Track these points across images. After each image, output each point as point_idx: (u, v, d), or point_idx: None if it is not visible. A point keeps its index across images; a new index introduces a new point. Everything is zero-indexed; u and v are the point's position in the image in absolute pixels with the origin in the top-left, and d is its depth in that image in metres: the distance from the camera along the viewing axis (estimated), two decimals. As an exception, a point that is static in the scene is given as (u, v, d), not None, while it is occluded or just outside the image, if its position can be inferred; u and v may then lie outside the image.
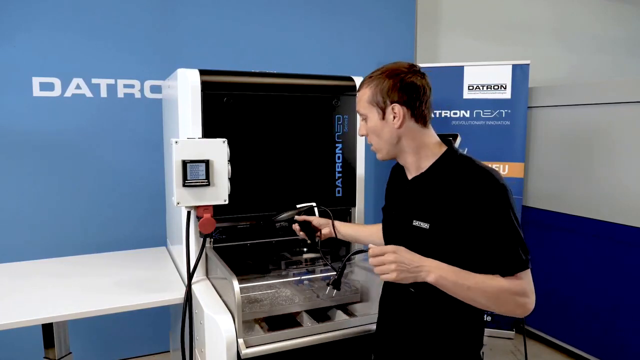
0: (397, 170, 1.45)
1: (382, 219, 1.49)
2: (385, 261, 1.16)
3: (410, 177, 1.36)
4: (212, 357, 1.55)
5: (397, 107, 1.25)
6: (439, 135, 1.35)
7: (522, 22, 4.22)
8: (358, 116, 1.40)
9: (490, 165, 1.26)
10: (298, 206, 1.88)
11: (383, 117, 1.28)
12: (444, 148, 1.31)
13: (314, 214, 1.85)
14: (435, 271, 1.16)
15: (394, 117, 1.26)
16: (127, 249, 2.48)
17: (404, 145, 1.31)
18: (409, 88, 1.25)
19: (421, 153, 1.31)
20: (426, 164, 1.31)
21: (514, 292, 1.14)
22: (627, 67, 4.70)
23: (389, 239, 1.43)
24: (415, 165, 1.33)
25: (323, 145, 2.05)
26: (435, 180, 1.28)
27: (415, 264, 1.16)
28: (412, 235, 1.28)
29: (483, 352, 1.35)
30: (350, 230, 1.77)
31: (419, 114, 1.28)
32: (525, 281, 1.16)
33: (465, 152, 1.32)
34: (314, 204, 1.88)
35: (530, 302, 1.16)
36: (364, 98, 1.31)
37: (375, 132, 1.31)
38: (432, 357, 1.31)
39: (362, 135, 1.38)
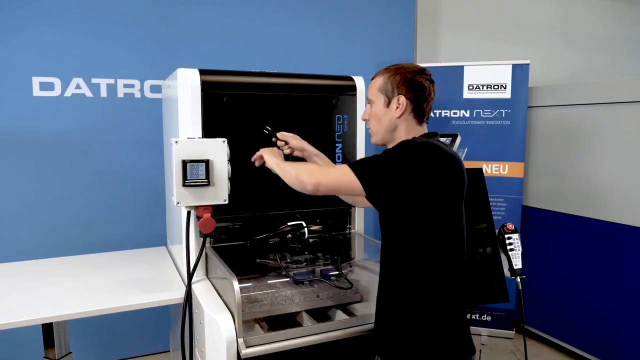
0: None
1: None
2: (262, 152, 1.71)
3: None
4: (212, 356, 1.55)
5: (402, 99, 1.40)
6: (440, 134, 1.42)
7: (523, 21, 4.22)
8: (366, 103, 1.54)
9: (456, 153, 1.40)
10: (289, 224, 1.92)
11: (387, 105, 1.43)
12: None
13: (304, 234, 1.93)
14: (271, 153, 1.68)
15: (397, 108, 1.41)
16: (127, 249, 2.48)
17: (397, 134, 1.44)
18: (416, 86, 1.40)
19: None
20: None
21: (306, 169, 1.45)
22: (629, 67, 4.70)
23: None
24: None
25: (323, 145, 2.04)
26: None
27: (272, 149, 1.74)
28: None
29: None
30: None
31: (419, 111, 1.42)
32: (327, 169, 1.43)
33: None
34: (303, 222, 1.93)
35: (309, 181, 1.40)
36: (375, 85, 1.45)
37: (377, 116, 1.46)
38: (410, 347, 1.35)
39: (364, 120, 1.54)
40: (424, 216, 1.31)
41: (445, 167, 1.31)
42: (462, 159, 1.42)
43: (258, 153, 1.74)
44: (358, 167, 1.34)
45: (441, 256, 1.34)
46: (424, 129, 1.45)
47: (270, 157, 1.67)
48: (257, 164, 1.76)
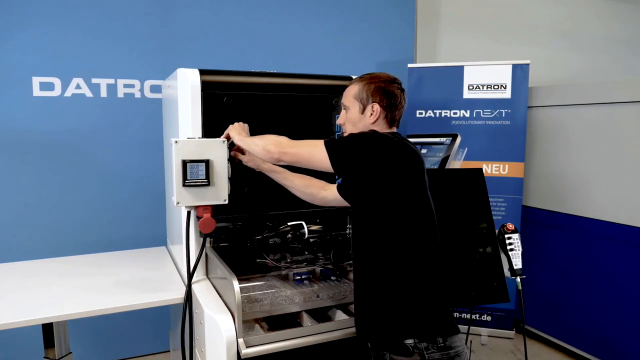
0: None
1: None
2: (228, 131, 1.73)
3: None
4: (212, 357, 1.56)
5: (376, 107, 1.51)
6: (437, 134, 1.46)
7: (523, 21, 4.22)
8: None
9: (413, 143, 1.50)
10: (289, 224, 1.94)
11: (362, 112, 1.53)
12: None
13: (304, 234, 1.94)
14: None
15: (371, 114, 1.52)
16: (127, 249, 2.48)
17: None
18: (389, 95, 1.52)
19: None
20: None
21: (275, 140, 1.52)
22: (629, 67, 4.69)
23: None
24: None
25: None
26: None
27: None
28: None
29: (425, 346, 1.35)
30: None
31: (391, 117, 1.54)
32: (297, 141, 1.51)
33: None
34: (303, 222, 1.94)
35: (275, 150, 1.49)
36: (350, 93, 1.56)
37: (352, 121, 1.56)
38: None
39: (340, 124, 1.63)
40: (388, 191, 1.38)
41: (403, 149, 1.43)
42: (462, 159, 1.45)
43: (225, 132, 1.75)
44: (329, 141, 1.44)
45: (410, 235, 1.39)
46: (393, 131, 1.55)
47: (235, 134, 1.70)
48: (234, 156, 1.83)
